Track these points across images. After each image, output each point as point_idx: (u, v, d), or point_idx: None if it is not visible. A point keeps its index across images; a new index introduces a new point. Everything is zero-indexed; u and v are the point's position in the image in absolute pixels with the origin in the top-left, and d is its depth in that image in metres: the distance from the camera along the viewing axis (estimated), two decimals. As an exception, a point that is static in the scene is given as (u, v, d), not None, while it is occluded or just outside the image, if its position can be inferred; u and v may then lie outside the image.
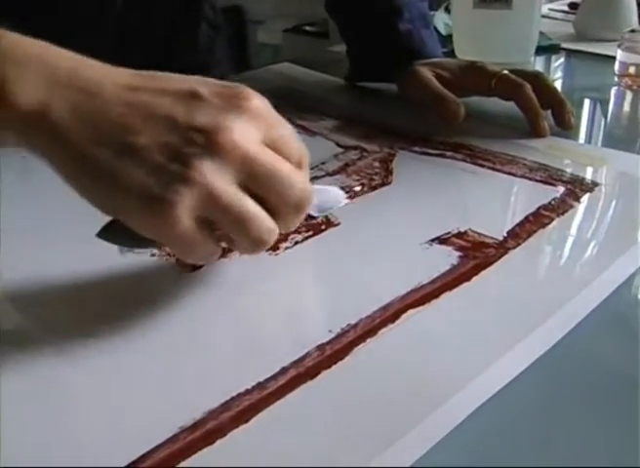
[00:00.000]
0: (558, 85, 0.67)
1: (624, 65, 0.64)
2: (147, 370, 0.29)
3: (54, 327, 0.32)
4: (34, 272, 0.36)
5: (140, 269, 0.36)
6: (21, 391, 0.28)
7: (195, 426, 0.26)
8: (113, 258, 0.37)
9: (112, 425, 0.27)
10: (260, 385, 0.28)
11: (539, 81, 0.52)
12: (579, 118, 0.55)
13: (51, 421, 0.27)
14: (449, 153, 0.49)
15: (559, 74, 0.72)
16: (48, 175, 0.29)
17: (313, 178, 0.45)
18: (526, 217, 0.40)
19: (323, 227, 0.40)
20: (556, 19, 0.89)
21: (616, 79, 0.65)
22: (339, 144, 0.51)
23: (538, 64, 0.73)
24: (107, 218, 0.31)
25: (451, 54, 0.72)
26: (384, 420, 0.27)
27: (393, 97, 0.59)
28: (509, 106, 0.52)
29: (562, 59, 0.75)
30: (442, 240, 0.38)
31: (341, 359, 0.29)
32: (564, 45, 0.77)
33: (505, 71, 0.53)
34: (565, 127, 0.51)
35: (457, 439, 0.26)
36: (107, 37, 0.61)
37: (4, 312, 0.33)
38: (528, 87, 0.51)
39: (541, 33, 0.74)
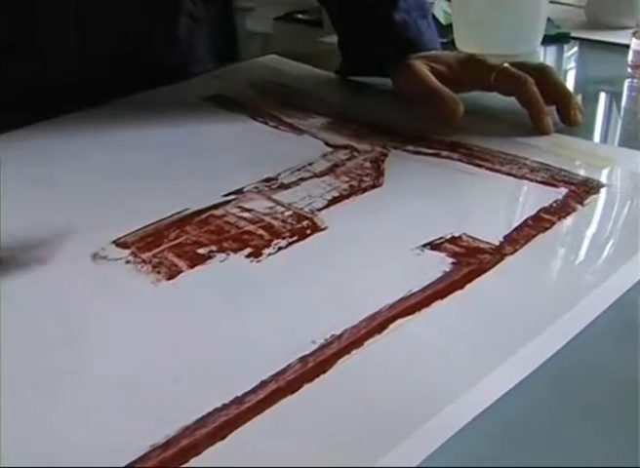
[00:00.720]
0: (569, 78, 0.68)
1: (640, 55, 0.65)
2: (115, 384, 0.30)
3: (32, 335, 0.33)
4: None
5: (114, 276, 0.37)
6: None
7: (168, 444, 0.27)
8: (85, 265, 0.38)
9: (74, 445, 0.28)
10: (237, 400, 0.29)
11: (542, 74, 0.53)
12: (588, 114, 0.56)
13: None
14: (445, 152, 0.50)
15: (569, 66, 0.73)
16: None
17: (300, 180, 0.47)
18: (525, 221, 0.41)
19: (308, 232, 0.41)
20: (566, 4, 0.90)
21: (629, 70, 0.66)
22: (327, 143, 0.52)
23: (547, 56, 0.74)
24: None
25: (451, 44, 0.73)
26: (369, 437, 0.28)
27: (386, 92, 0.60)
28: (510, 101, 0.54)
29: (572, 50, 0.76)
30: (435, 245, 0.39)
31: (325, 372, 0.30)
32: (574, 33, 0.77)
33: (506, 64, 0.54)
34: (571, 123, 0.53)
35: (447, 454, 0.27)
36: (79, 30, 0.62)
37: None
38: (530, 81, 0.52)
39: (549, 21, 0.75)
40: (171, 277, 0.37)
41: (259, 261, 0.38)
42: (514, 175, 0.46)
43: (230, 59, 0.78)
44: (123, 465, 0.26)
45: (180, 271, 0.38)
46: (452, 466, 0.27)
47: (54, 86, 0.60)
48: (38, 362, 0.32)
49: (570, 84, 0.66)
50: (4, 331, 0.33)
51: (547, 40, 0.74)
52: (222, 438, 0.27)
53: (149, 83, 0.64)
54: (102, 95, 0.61)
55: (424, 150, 0.50)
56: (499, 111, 0.55)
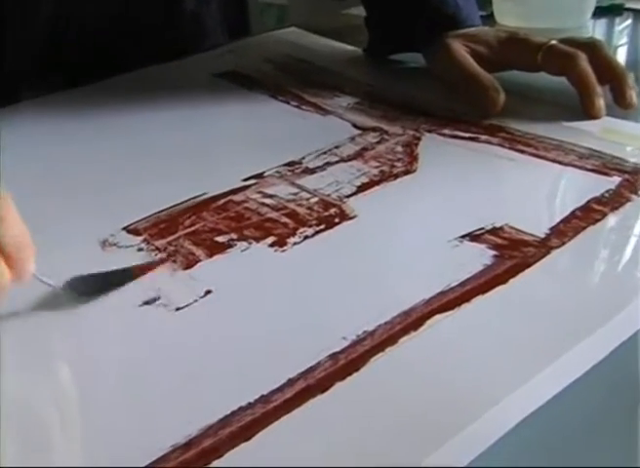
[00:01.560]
0: (621, 54, 0.68)
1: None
2: (134, 382, 0.31)
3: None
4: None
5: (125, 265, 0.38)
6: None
7: (189, 444, 0.28)
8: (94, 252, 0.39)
9: (97, 444, 0.28)
10: (263, 398, 0.29)
11: (595, 51, 0.53)
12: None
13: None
14: (483, 137, 0.50)
15: (622, 41, 0.73)
16: None
17: (326, 164, 0.47)
18: (573, 212, 0.41)
19: (336, 220, 0.41)
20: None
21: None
22: (355, 125, 0.53)
23: (596, 29, 0.73)
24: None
25: (490, 18, 0.73)
26: (403, 441, 0.28)
27: (419, 69, 0.61)
28: (557, 80, 0.54)
29: (627, 22, 0.75)
30: (474, 236, 0.40)
31: (357, 370, 0.31)
32: (629, 4, 0.76)
33: (554, 41, 0.54)
34: (626, 106, 0.52)
35: (487, 461, 0.28)
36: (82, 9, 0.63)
37: None
38: (582, 57, 0.52)
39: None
40: (188, 266, 0.38)
41: (283, 251, 0.39)
42: (560, 163, 0.46)
43: (242, 33, 0.78)
44: (142, 466, 0.27)
45: (198, 260, 0.38)
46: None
47: (52, 61, 0.61)
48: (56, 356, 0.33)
49: (621, 61, 0.66)
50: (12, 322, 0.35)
51: (598, 12, 0.73)
52: (247, 438, 0.28)
53: (155, 59, 0.64)
54: (105, 71, 0.61)
55: (461, 134, 0.51)
56: (544, 90, 0.55)
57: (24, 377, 0.32)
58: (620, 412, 0.30)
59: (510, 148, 0.48)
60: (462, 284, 0.36)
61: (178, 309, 0.35)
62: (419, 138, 0.50)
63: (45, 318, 0.35)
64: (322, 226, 0.41)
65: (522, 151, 0.48)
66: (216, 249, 0.39)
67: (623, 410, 0.30)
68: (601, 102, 0.52)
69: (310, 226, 0.41)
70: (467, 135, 0.50)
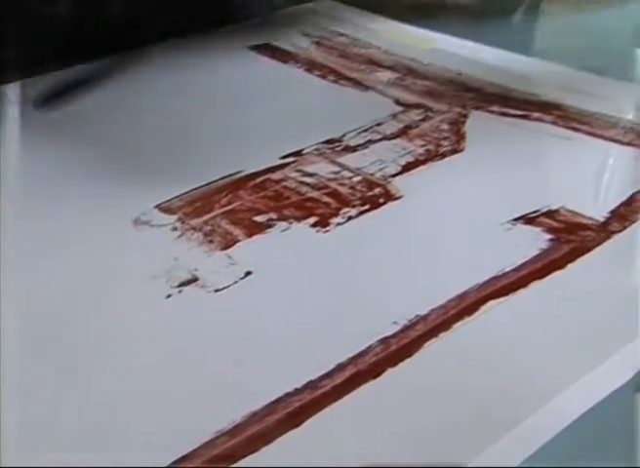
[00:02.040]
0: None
1: None
2: (176, 368, 0.31)
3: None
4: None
5: (160, 245, 0.39)
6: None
7: (235, 430, 0.28)
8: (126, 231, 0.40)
9: (135, 431, 0.29)
10: (311, 384, 0.30)
11: None
12: None
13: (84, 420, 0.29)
14: (535, 114, 0.50)
15: None
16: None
17: (368, 142, 0.47)
18: (634, 195, 0.41)
19: (381, 201, 0.41)
20: None
21: None
22: (397, 102, 0.53)
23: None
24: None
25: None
26: (456, 435, 0.28)
27: (464, 44, 0.61)
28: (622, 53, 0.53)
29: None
30: (528, 219, 0.39)
31: (410, 355, 0.31)
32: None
33: None
34: None
35: (546, 455, 0.28)
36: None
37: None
38: None
39: None
40: (226, 247, 0.38)
41: (326, 232, 0.39)
42: (620, 142, 0.46)
43: (273, 6, 0.78)
44: (186, 452, 0.27)
45: (237, 240, 0.38)
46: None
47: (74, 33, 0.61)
48: (89, 340, 0.33)
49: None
50: (40, 301, 0.35)
51: None
52: (296, 425, 0.28)
53: (184, 30, 0.64)
54: (133, 42, 0.62)
55: (511, 111, 0.51)
56: (603, 65, 0.55)
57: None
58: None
59: (565, 126, 0.48)
60: (517, 268, 0.36)
61: (217, 291, 0.35)
62: (465, 116, 0.50)
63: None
64: (366, 206, 0.41)
65: (577, 129, 0.48)
66: (255, 228, 0.39)
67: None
68: None
69: (354, 206, 0.41)
70: (518, 112, 0.50)
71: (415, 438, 0.28)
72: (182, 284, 0.36)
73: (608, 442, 0.29)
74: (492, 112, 0.51)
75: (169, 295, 0.35)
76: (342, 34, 0.65)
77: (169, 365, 0.31)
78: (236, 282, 0.36)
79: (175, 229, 0.40)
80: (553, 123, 0.49)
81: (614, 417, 0.29)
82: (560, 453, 0.28)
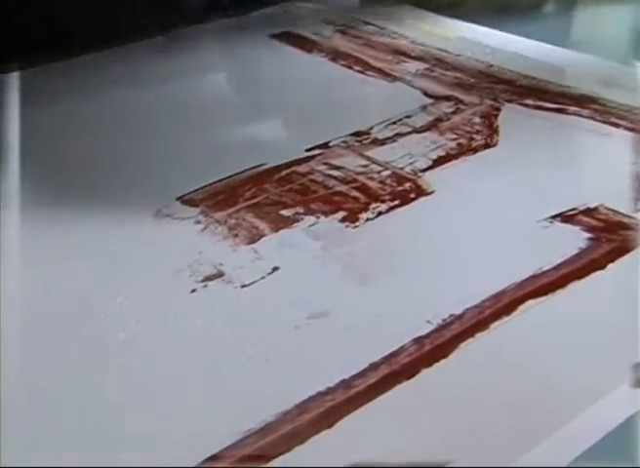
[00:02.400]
0: None
1: None
2: (204, 365, 0.32)
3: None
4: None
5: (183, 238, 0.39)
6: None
7: (266, 430, 0.28)
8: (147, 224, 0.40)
9: (167, 429, 0.29)
10: (344, 383, 0.30)
11: None
12: None
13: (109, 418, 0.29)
14: (572, 108, 0.50)
15: None
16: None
17: (396, 135, 0.48)
18: (676, 193, 0.41)
19: (412, 196, 0.42)
20: None
21: None
22: (426, 93, 0.53)
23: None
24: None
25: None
26: (493, 438, 0.28)
27: (495, 34, 0.61)
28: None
29: None
30: (566, 217, 0.40)
31: (445, 356, 0.31)
32: None
33: None
34: None
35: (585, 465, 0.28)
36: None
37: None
38: None
39: None
40: (252, 241, 0.38)
41: (355, 227, 0.39)
42: (660, 138, 0.46)
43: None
44: (216, 451, 0.28)
45: (263, 235, 0.39)
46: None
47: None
48: (112, 337, 0.34)
49: None
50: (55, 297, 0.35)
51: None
52: (329, 426, 0.28)
53: (200, 17, 0.65)
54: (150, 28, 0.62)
55: (546, 105, 0.51)
56: None
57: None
58: None
59: (603, 121, 0.48)
60: (556, 268, 0.36)
61: (243, 286, 0.36)
62: (498, 109, 0.50)
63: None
64: (396, 202, 0.41)
65: (616, 125, 0.48)
66: (281, 223, 0.40)
67: None
68: None
69: (384, 201, 0.41)
70: (553, 106, 0.50)
71: (450, 439, 0.28)
72: (207, 278, 0.36)
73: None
74: (526, 105, 0.51)
75: (194, 290, 0.36)
76: (369, 23, 0.65)
77: (196, 362, 0.32)
78: (263, 277, 0.36)
79: (198, 222, 0.40)
80: (590, 117, 0.49)
81: None
82: (603, 461, 0.28)
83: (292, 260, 0.37)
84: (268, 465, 0.27)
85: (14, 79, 0.56)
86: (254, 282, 0.36)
